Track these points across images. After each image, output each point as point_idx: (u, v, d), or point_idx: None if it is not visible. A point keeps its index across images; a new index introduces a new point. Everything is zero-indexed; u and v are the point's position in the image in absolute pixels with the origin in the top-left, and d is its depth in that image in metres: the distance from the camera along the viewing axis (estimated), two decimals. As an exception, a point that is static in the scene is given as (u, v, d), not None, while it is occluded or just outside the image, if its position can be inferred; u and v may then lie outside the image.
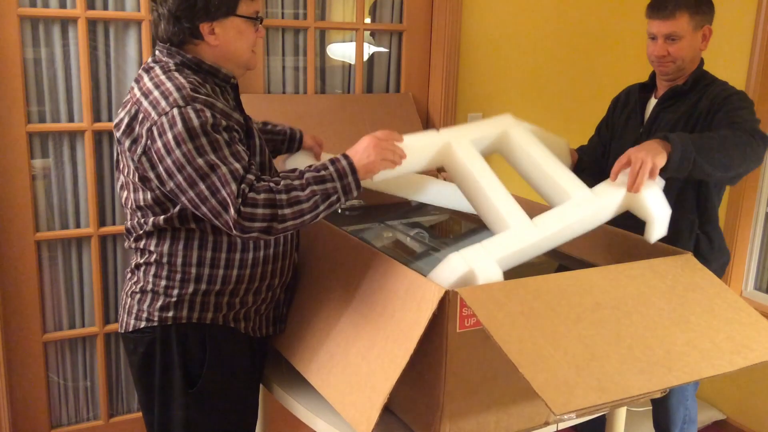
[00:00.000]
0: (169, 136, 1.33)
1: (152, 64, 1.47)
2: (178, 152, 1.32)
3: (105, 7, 2.12)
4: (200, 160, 1.32)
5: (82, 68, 2.10)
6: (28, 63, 2.06)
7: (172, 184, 1.36)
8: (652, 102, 2.11)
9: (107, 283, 2.29)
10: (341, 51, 2.52)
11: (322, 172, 1.38)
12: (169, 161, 1.34)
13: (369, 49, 2.55)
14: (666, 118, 2.03)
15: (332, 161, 1.41)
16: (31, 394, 2.23)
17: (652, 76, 2.14)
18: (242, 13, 1.47)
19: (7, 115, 2.04)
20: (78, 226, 2.22)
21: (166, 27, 1.44)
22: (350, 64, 2.52)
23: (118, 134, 1.44)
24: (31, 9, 2.03)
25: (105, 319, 2.29)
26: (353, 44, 2.49)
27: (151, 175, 1.39)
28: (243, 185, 1.32)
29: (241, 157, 1.36)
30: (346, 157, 1.42)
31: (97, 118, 2.17)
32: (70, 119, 2.15)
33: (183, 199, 1.36)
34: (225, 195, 1.31)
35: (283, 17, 2.37)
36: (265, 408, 1.98)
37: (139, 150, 1.39)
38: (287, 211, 1.34)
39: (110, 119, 2.19)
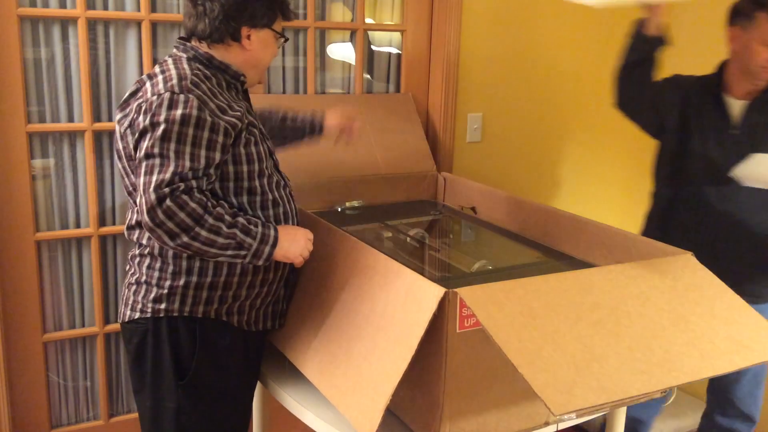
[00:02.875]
0: (150, 113, 1.40)
1: (166, 58, 1.55)
2: (149, 129, 1.40)
3: (105, 7, 2.12)
4: (157, 142, 1.37)
5: (82, 68, 2.10)
6: (28, 63, 2.06)
7: (138, 155, 1.42)
8: (734, 102, 2.04)
9: (107, 283, 2.29)
10: (341, 51, 2.52)
11: (251, 227, 1.44)
12: (138, 134, 1.41)
13: (381, 49, 2.55)
14: (764, 120, 1.98)
15: (264, 224, 1.47)
16: (31, 394, 2.23)
17: (720, 72, 2.09)
18: (276, 28, 1.60)
19: (7, 115, 2.04)
20: (78, 226, 2.22)
21: (211, 23, 1.52)
22: (350, 65, 2.52)
23: (117, 110, 1.53)
24: (31, 9, 2.03)
25: (105, 319, 2.29)
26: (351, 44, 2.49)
27: (131, 147, 1.46)
28: (181, 183, 1.35)
29: (196, 159, 1.39)
30: (276, 229, 1.49)
31: (97, 118, 2.17)
32: (70, 119, 2.15)
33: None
34: (153, 179, 1.35)
35: (283, 17, 2.36)
36: (265, 406, 1.98)
37: (126, 123, 1.48)
38: (204, 233, 1.37)
39: (110, 119, 2.19)
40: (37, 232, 2.15)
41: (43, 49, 2.08)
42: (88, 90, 2.13)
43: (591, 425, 2.79)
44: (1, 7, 1.97)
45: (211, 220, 1.37)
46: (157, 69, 1.50)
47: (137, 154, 1.41)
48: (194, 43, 1.56)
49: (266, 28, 1.57)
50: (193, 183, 1.37)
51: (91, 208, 2.19)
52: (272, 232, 1.47)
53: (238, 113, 1.50)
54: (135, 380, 1.61)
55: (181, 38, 1.58)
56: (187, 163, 1.37)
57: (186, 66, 1.48)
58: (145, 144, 1.38)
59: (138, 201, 1.36)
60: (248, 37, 1.55)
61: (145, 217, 1.34)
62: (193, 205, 1.35)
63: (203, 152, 1.40)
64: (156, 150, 1.37)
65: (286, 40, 1.66)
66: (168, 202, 1.33)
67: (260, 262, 1.47)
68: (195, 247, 1.38)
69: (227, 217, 1.40)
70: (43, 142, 2.13)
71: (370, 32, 2.54)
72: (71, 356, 2.29)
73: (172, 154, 1.36)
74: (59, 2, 2.07)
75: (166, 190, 1.33)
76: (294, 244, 1.52)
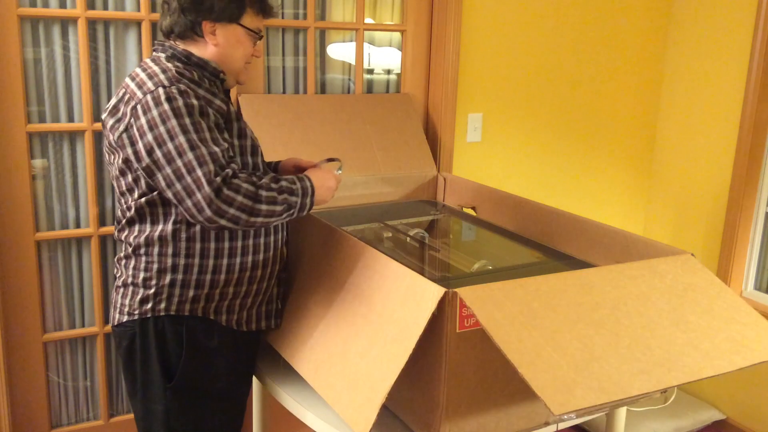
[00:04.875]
0: (155, 113, 1.37)
1: (146, 59, 1.54)
2: (162, 128, 1.37)
3: (105, 7, 2.12)
4: (182, 138, 1.36)
5: (82, 68, 2.10)
6: (28, 63, 2.06)
7: (149, 160, 1.39)
8: None
9: (107, 283, 2.29)
10: (342, 52, 2.52)
11: (293, 186, 1.46)
12: (150, 137, 1.37)
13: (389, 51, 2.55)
14: None
15: (300, 179, 1.49)
16: (31, 394, 2.23)
17: None
18: (246, 24, 1.56)
19: (7, 115, 2.04)
20: (78, 226, 2.22)
21: (171, 17, 1.53)
22: (350, 64, 2.52)
23: (104, 116, 1.50)
24: (31, 9, 2.03)
25: (105, 319, 2.29)
26: (354, 44, 2.50)
27: (129, 151, 1.42)
28: (227, 170, 1.36)
29: (220, 143, 1.40)
30: (309, 179, 1.51)
31: (97, 118, 2.17)
32: (70, 119, 2.15)
33: (158, 176, 1.39)
34: (200, 174, 1.34)
35: (283, 17, 2.37)
36: (264, 406, 1.98)
37: (121, 128, 1.43)
38: (264, 207, 1.39)
39: (110, 119, 2.19)
40: (37, 232, 2.15)
41: (43, 49, 2.08)
42: (88, 90, 2.13)
43: (591, 425, 2.79)
44: (1, 7, 1.97)
45: (264, 193, 1.39)
46: (138, 69, 1.49)
47: (154, 156, 1.37)
48: (171, 42, 1.56)
49: (233, 23, 1.53)
50: (233, 165, 1.38)
51: (90, 208, 2.19)
52: (308, 183, 1.50)
53: (224, 100, 1.51)
54: (127, 384, 1.61)
55: (158, 40, 1.58)
56: (216, 149, 1.37)
57: (166, 62, 1.49)
58: (169, 145, 1.35)
59: (192, 202, 1.34)
60: (213, 32, 1.52)
61: (208, 213, 1.33)
62: (245, 185, 1.36)
63: (219, 135, 1.42)
64: (185, 146, 1.35)
65: (261, 37, 1.61)
66: (225, 190, 1.34)
67: (304, 213, 1.50)
68: (259, 222, 1.40)
69: (273, 185, 1.42)
70: (42, 142, 2.13)
71: (369, 32, 2.54)
72: (71, 356, 2.29)
73: (201, 144, 1.36)
74: (59, 2, 2.07)
75: (218, 179, 1.33)
76: (325, 188, 1.55)
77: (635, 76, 2.98)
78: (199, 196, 1.33)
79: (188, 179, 1.34)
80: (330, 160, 1.72)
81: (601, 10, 2.82)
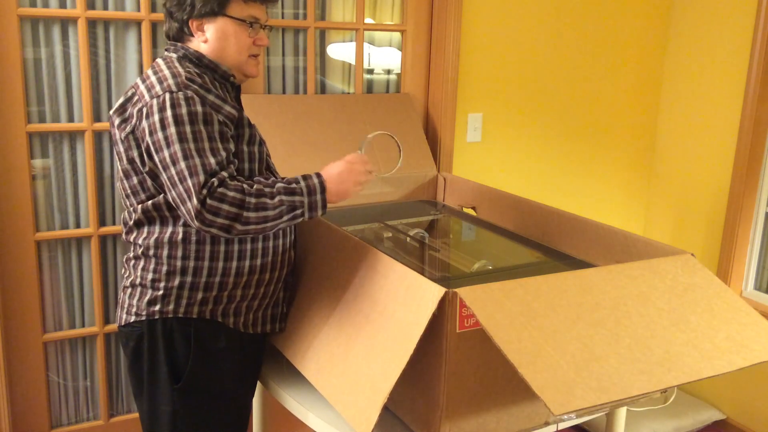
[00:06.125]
0: (156, 118, 1.38)
1: (158, 59, 1.54)
2: (160, 134, 1.38)
3: (105, 7, 2.12)
4: (177, 146, 1.36)
5: (82, 68, 2.10)
6: (28, 63, 2.06)
7: (150, 164, 1.42)
8: None
9: (107, 283, 2.29)
10: (341, 51, 2.52)
11: (293, 185, 1.43)
12: (149, 141, 1.39)
13: (387, 51, 2.55)
14: None
15: (304, 177, 1.46)
16: (31, 394, 2.23)
17: None
18: (233, 14, 1.51)
19: (7, 115, 2.04)
20: (78, 226, 2.22)
21: (167, 23, 1.56)
22: (350, 64, 2.52)
23: (111, 112, 1.51)
24: (31, 9, 2.03)
25: (105, 319, 2.29)
26: (353, 44, 2.50)
27: (135, 153, 1.45)
28: (213, 179, 1.35)
29: (218, 152, 1.39)
30: (318, 175, 1.47)
31: (97, 118, 2.17)
32: (70, 119, 2.15)
33: (161, 179, 1.41)
34: (190, 185, 1.34)
35: (283, 17, 2.37)
36: (265, 407, 1.98)
37: (128, 128, 1.45)
38: (252, 214, 1.37)
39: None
40: (37, 232, 2.15)
41: (43, 49, 2.08)
42: (88, 90, 2.13)
43: (591, 425, 2.79)
44: (1, 7, 1.97)
45: (253, 200, 1.37)
46: (149, 71, 1.49)
47: (154, 160, 1.40)
48: (182, 42, 1.56)
49: (219, 16, 1.50)
50: (224, 174, 1.38)
51: (91, 208, 2.19)
52: (315, 180, 1.45)
53: (235, 105, 1.50)
54: (133, 384, 1.61)
55: (171, 41, 1.58)
56: (212, 160, 1.37)
57: (177, 65, 1.48)
58: (165, 153, 1.37)
59: (185, 210, 1.36)
60: (201, 29, 1.51)
61: (196, 223, 1.35)
62: (231, 194, 1.35)
63: (220, 144, 1.41)
64: (179, 155, 1.35)
65: (261, 26, 1.56)
66: (209, 201, 1.34)
67: (320, 212, 1.46)
68: (252, 229, 1.39)
69: (267, 189, 1.40)
70: (43, 142, 2.13)
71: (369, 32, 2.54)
72: (71, 356, 2.29)
73: (195, 155, 1.36)
74: (59, 2, 2.07)
75: (204, 191, 1.34)
76: (343, 181, 1.49)
77: (635, 76, 2.98)
78: (189, 205, 1.35)
79: (180, 188, 1.36)
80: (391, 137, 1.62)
81: (601, 10, 2.82)
